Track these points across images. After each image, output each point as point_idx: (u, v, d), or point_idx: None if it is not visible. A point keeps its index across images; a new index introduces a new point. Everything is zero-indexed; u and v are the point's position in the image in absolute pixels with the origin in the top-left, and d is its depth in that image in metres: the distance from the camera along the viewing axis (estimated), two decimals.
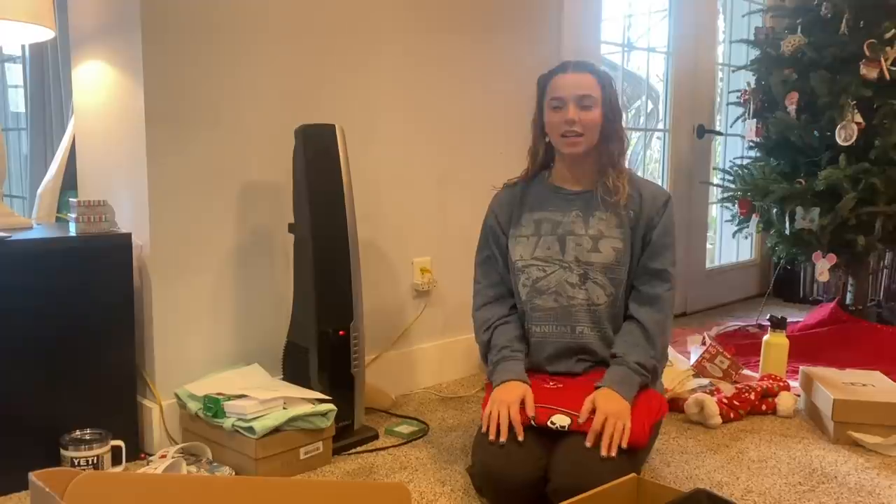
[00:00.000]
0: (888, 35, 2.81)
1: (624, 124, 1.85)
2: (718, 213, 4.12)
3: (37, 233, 1.89)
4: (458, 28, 2.54)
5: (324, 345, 1.95)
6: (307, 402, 1.86)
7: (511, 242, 1.86)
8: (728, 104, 3.85)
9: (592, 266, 1.76)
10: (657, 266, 1.77)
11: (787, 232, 3.02)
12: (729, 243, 4.15)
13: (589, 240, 1.77)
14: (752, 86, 3.30)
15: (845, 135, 2.82)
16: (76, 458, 1.71)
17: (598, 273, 1.76)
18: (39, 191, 2.39)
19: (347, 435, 2.00)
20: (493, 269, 1.90)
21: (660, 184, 3.73)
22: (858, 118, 2.80)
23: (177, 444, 1.92)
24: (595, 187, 1.79)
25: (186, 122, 1.93)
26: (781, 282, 4.11)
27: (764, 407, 2.27)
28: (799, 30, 3.08)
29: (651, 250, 1.77)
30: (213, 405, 1.80)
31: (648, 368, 1.70)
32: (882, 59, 2.78)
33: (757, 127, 3.22)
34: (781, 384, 2.35)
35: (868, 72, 2.80)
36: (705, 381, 2.38)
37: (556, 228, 1.80)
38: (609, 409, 1.58)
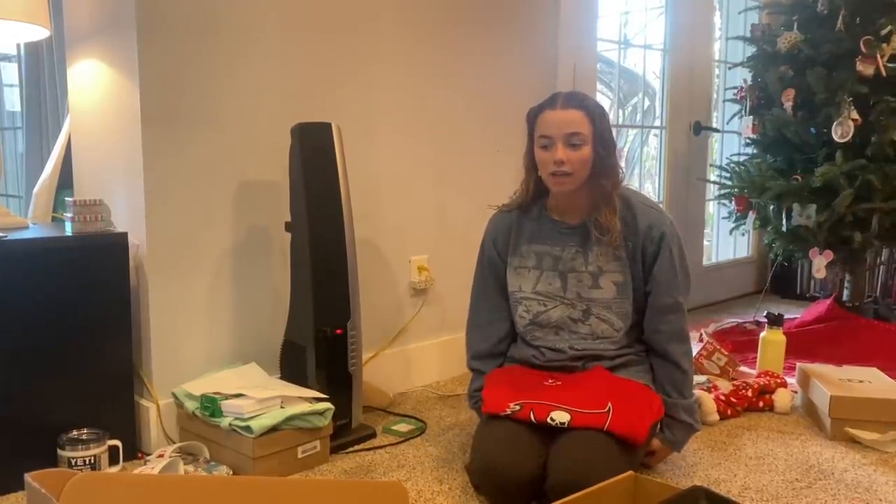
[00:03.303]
0: (884, 32, 2.81)
1: (619, 152, 1.82)
2: (715, 210, 4.12)
3: (33, 232, 1.89)
4: (455, 27, 2.54)
5: (321, 343, 1.94)
6: (304, 401, 1.86)
7: (510, 271, 1.86)
8: (725, 101, 3.85)
9: (594, 302, 1.76)
10: (669, 301, 1.76)
11: (784, 229, 3.02)
12: (726, 240, 4.15)
13: (589, 276, 1.77)
14: (749, 83, 3.30)
15: (842, 131, 2.82)
16: (73, 458, 1.71)
17: (602, 309, 1.76)
18: (35, 190, 2.38)
19: (345, 433, 2.00)
20: (487, 298, 1.92)
21: (658, 183, 3.74)
22: (855, 115, 2.80)
23: (174, 443, 1.92)
24: (589, 221, 1.76)
25: (183, 121, 1.92)
26: (778, 278, 4.11)
27: (761, 404, 2.27)
28: (795, 26, 3.08)
29: (659, 288, 1.76)
30: (211, 404, 1.80)
31: (693, 406, 1.81)
32: (878, 56, 2.78)
33: (753, 124, 3.22)
34: (779, 381, 2.35)
35: (864, 68, 2.80)
36: (703, 378, 2.39)
37: (556, 264, 1.80)
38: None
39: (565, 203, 1.80)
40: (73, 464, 1.71)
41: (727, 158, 3.72)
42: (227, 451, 1.80)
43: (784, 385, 2.34)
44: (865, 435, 2.00)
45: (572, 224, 1.80)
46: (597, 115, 1.71)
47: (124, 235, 1.88)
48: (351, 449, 1.97)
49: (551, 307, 1.80)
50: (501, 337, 1.92)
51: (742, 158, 3.47)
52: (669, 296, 1.76)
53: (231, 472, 1.76)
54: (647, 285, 1.78)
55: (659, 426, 1.78)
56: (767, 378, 2.35)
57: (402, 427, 2.11)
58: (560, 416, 1.60)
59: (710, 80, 3.91)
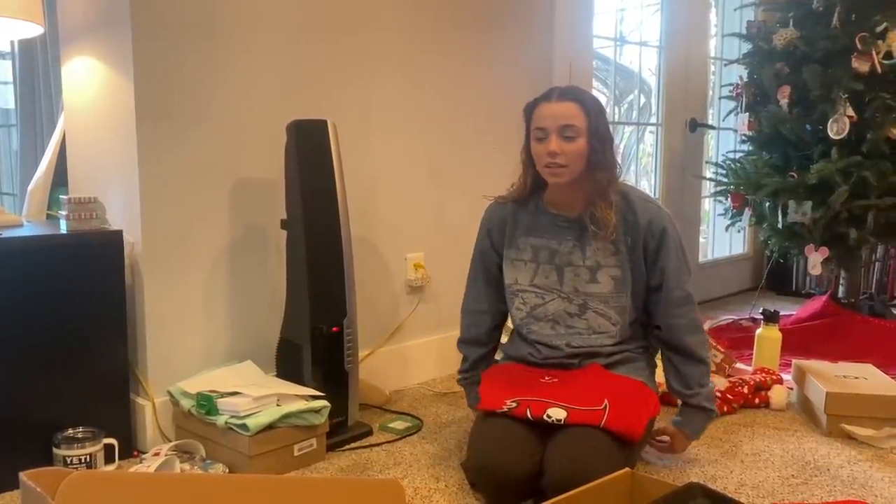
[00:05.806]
0: (879, 28, 2.82)
1: (616, 148, 1.80)
2: (711, 207, 4.13)
3: (27, 230, 1.88)
4: (451, 25, 2.53)
5: (317, 341, 1.94)
6: (301, 399, 1.85)
7: (506, 264, 1.86)
8: (720, 98, 3.86)
9: (591, 297, 1.76)
10: (679, 294, 1.76)
11: (780, 225, 3.03)
12: (722, 237, 4.16)
13: (586, 270, 1.76)
14: (745, 79, 3.30)
15: (837, 128, 2.82)
16: (69, 457, 1.71)
17: (599, 303, 1.76)
18: (29, 188, 2.37)
19: (341, 431, 1.99)
20: (475, 285, 1.95)
21: (654, 180, 3.74)
22: (850, 112, 2.81)
23: (170, 441, 1.91)
24: (585, 215, 1.75)
25: (178, 118, 1.92)
26: (774, 275, 4.12)
27: (757, 400, 2.28)
28: (791, 23, 3.09)
29: (668, 282, 1.76)
30: (207, 402, 1.80)
31: (712, 392, 1.82)
32: (874, 53, 2.79)
33: (749, 121, 3.22)
34: (774, 377, 2.35)
35: (860, 65, 2.81)
36: None
37: (553, 258, 1.79)
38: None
39: (562, 196, 1.80)
40: (69, 462, 1.71)
41: (723, 155, 3.73)
42: (224, 449, 1.80)
43: (780, 382, 2.35)
44: (861, 431, 2.01)
45: (570, 217, 1.79)
46: (592, 109, 1.70)
47: (119, 233, 1.87)
48: (347, 447, 1.97)
49: (549, 300, 1.80)
50: (487, 327, 1.95)
51: (738, 155, 3.48)
52: (679, 288, 1.77)
53: (227, 471, 1.76)
54: (649, 280, 1.78)
55: (653, 420, 1.78)
56: (763, 375, 2.35)
57: (399, 424, 2.11)
58: (556, 413, 1.60)
59: (705, 77, 3.92)
